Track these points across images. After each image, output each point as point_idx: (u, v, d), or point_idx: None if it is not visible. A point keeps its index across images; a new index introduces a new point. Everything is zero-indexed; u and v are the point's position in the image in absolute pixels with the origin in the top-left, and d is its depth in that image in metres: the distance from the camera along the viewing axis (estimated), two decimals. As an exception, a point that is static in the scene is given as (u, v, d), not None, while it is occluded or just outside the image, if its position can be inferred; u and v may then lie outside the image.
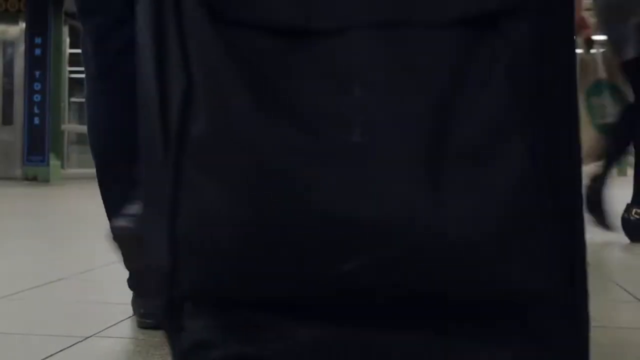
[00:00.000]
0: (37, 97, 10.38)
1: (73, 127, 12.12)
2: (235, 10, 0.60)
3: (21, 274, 2.23)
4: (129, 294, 1.57)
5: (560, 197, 0.59)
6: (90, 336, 1.41)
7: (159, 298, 0.65)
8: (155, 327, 1.43)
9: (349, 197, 0.56)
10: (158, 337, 1.37)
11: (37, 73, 10.35)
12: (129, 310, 1.57)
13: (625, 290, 2.05)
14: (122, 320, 1.55)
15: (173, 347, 0.67)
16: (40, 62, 10.35)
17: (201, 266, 0.60)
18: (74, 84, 12.41)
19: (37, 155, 10.40)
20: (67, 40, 11.52)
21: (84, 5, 1.78)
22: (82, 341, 1.37)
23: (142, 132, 0.66)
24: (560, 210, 0.59)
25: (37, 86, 10.37)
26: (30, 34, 10.35)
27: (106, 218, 1.54)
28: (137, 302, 1.53)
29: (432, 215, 0.55)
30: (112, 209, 1.52)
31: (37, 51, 10.34)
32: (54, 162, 10.53)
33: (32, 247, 2.98)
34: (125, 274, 1.55)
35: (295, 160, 0.57)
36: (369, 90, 0.57)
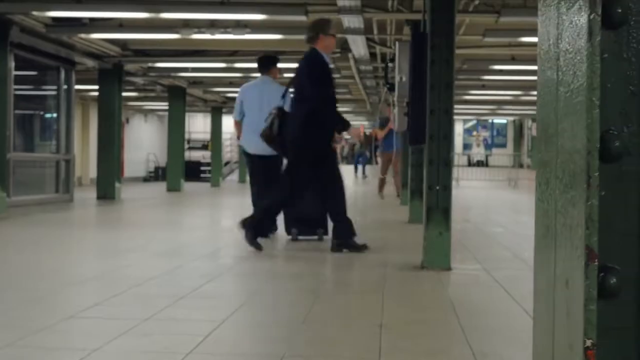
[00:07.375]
0: (-18, 131, 10.15)
1: (17, 154, 11.98)
2: None
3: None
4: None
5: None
6: None
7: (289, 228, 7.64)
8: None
9: (306, 205, 7.28)
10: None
11: (-17, 107, 10.11)
12: None
13: None
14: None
15: (289, 230, 7.59)
16: (-15, 96, 10.09)
17: (288, 217, 7.53)
18: (17, 99, 12.20)
19: (-18, 187, 10.21)
20: (13, 65, 11.33)
21: (254, 179, 8.10)
22: None
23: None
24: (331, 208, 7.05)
25: (-17, 120, 10.13)
26: (-26, 68, 10.06)
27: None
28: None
29: (313, 211, 7.37)
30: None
31: (-17, 85, 10.10)
32: None
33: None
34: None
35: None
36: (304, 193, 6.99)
